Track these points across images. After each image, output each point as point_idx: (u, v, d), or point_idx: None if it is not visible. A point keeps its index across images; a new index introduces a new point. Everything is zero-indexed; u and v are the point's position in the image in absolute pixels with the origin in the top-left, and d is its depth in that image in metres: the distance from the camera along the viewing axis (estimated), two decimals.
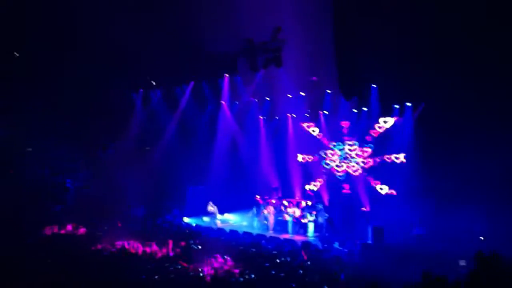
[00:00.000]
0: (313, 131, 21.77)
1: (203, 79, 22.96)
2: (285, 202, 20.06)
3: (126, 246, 14.93)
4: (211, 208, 21.21)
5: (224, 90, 23.16)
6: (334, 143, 21.19)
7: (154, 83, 23.69)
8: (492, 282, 6.95)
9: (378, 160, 19.78)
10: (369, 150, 20.02)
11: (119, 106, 23.17)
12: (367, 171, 20.09)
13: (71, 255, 12.82)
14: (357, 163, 20.34)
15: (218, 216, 21.61)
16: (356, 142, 20.44)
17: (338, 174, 20.86)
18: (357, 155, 20.41)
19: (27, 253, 13.12)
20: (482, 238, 13.35)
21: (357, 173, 20.32)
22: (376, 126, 19.82)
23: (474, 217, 14.20)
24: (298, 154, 22.19)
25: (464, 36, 15.04)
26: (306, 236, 18.43)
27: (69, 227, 17.51)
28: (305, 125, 22.07)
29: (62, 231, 17.20)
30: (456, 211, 14.87)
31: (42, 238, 16.01)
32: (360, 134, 20.49)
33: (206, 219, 21.28)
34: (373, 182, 19.68)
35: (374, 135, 19.92)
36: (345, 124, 20.81)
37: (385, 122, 19.57)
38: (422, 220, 16.44)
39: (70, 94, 20.80)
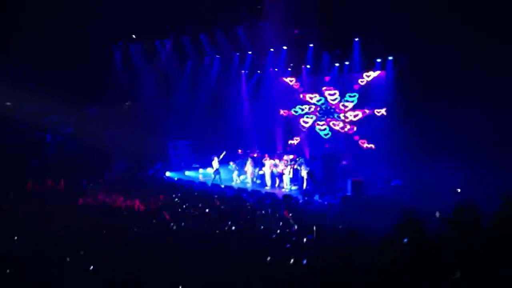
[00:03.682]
0: (290, 81, 21.90)
1: (184, 32, 22.52)
2: (266, 156, 20.18)
3: (108, 201, 14.94)
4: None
5: (205, 44, 22.81)
6: (316, 97, 21.28)
7: (134, 36, 23.19)
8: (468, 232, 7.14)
9: (360, 113, 19.95)
10: (351, 103, 20.18)
11: (98, 59, 22.73)
12: (349, 125, 20.30)
13: (52, 209, 12.78)
14: (339, 117, 20.55)
15: (201, 170, 21.75)
16: (337, 92, 20.70)
17: (320, 128, 21.06)
18: (338, 109, 20.59)
19: (10, 207, 13.10)
20: (459, 190, 13.62)
21: (338, 127, 20.52)
22: (359, 80, 19.93)
23: (452, 170, 14.43)
24: (280, 109, 22.33)
25: None
26: (284, 188, 18.74)
27: (49, 182, 17.38)
28: (287, 79, 22.07)
29: (42, 186, 17.07)
30: (434, 164, 15.09)
31: (24, 193, 15.88)
32: (343, 87, 20.56)
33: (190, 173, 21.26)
34: (354, 136, 19.94)
35: (356, 88, 20.10)
36: (327, 78, 20.89)
37: (367, 76, 19.67)
38: (401, 172, 16.71)
39: (48, 48, 20.27)
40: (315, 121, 21.43)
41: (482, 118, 14.66)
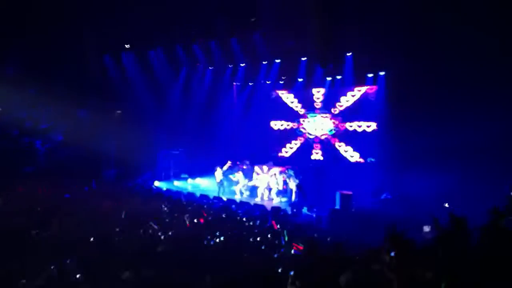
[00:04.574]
0: (287, 98, 22.01)
1: (177, 42, 22.60)
2: (261, 167, 20.25)
3: (95, 209, 14.80)
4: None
5: (198, 54, 22.90)
6: (307, 114, 21.51)
7: (127, 46, 23.23)
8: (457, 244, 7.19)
9: (349, 126, 20.14)
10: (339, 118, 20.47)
11: (90, 67, 22.73)
12: (338, 137, 20.48)
13: (42, 214, 12.67)
14: (330, 130, 20.73)
15: (190, 180, 21.68)
16: (327, 114, 20.91)
17: (310, 136, 21.22)
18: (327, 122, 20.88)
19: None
20: (447, 205, 13.70)
21: (326, 136, 20.79)
22: (349, 94, 20.15)
23: (441, 184, 14.52)
24: (272, 121, 22.44)
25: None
26: (273, 200, 18.76)
27: (40, 189, 17.22)
28: (280, 92, 22.25)
29: (32, 192, 16.89)
30: (424, 178, 15.18)
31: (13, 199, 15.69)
32: (333, 101, 20.72)
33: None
34: (340, 145, 20.45)
35: (345, 104, 20.35)
36: (318, 92, 21.05)
37: (353, 96, 20.13)
38: (391, 186, 16.79)
39: (41, 56, 20.24)
40: (305, 133, 21.62)
41: (472, 132, 14.82)
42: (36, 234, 10.22)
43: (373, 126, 19.39)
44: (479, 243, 7.33)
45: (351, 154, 20.03)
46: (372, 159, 19.24)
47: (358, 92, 19.98)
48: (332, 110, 20.85)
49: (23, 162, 20.30)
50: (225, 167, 20.03)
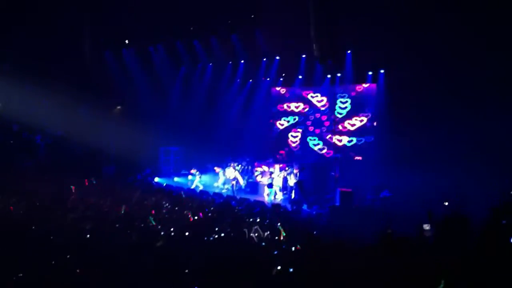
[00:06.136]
0: (283, 91, 22.25)
1: (178, 38, 22.57)
2: (259, 167, 20.26)
3: (95, 205, 14.79)
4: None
5: (198, 51, 22.88)
6: (301, 106, 21.62)
7: (127, 42, 23.20)
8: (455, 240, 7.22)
9: (349, 124, 20.19)
10: (345, 110, 20.67)
11: (90, 63, 22.71)
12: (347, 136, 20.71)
13: (40, 212, 12.66)
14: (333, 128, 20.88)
15: (190, 176, 21.67)
16: (324, 98, 21.36)
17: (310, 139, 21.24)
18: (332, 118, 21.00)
19: None
20: (446, 204, 13.68)
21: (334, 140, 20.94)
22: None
23: (441, 182, 14.51)
24: (276, 121, 22.55)
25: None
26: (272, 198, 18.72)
27: (39, 183, 17.19)
28: (279, 89, 22.27)
29: (32, 187, 16.87)
30: (423, 175, 15.16)
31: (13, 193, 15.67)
32: (333, 99, 20.73)
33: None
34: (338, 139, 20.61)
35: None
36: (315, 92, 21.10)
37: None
38: (391, 183, 16.76)
39: (41, 51, 20.21)
40: (305, 133, 21.63)
41: (472, 130, 14.83)
42: (35, 229, 10.23)
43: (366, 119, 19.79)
44: (479, 241, 7.37)
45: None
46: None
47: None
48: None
49: (24, 157, 20.28)
50: (238, 167, 20.07)
